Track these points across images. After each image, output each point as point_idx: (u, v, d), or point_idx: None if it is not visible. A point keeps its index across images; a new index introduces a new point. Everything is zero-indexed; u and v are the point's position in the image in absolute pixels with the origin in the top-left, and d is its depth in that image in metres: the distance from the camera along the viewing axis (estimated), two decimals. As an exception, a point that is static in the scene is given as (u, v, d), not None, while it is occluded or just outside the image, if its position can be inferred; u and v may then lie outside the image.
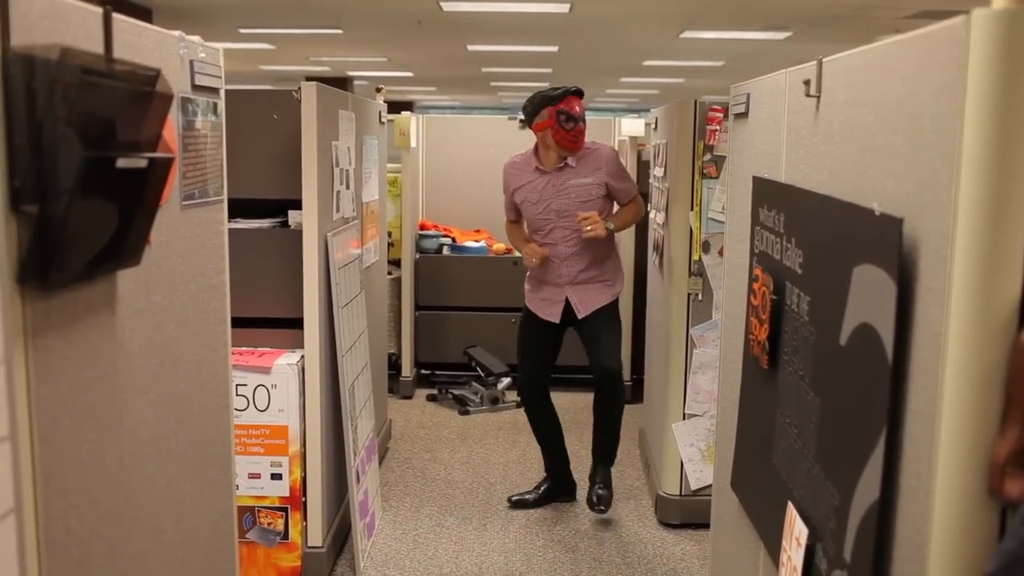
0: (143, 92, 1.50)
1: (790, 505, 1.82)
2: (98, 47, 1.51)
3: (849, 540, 1.49)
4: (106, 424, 1.61)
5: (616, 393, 4.12)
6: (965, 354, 1.19)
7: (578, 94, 4.03)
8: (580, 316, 4.11)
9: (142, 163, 1.48)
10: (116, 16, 1.57)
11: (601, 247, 4.08)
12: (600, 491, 4.15)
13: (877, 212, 1.42)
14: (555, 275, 4.12)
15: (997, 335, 1.17)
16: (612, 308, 4.16)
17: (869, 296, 1.44)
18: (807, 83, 1.86)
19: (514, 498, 4.40)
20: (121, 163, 1.41)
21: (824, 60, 1.81)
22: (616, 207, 4.16)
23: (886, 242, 1.37)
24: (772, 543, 1.96)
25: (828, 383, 1.64)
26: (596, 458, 4.24)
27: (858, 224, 1.50)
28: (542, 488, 4.42)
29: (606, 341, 4.10)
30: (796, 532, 1.76)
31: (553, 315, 4.16)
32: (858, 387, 1.49)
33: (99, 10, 1.52)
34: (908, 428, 1.34)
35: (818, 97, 1.83)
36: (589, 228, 3.91)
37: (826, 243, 1.68)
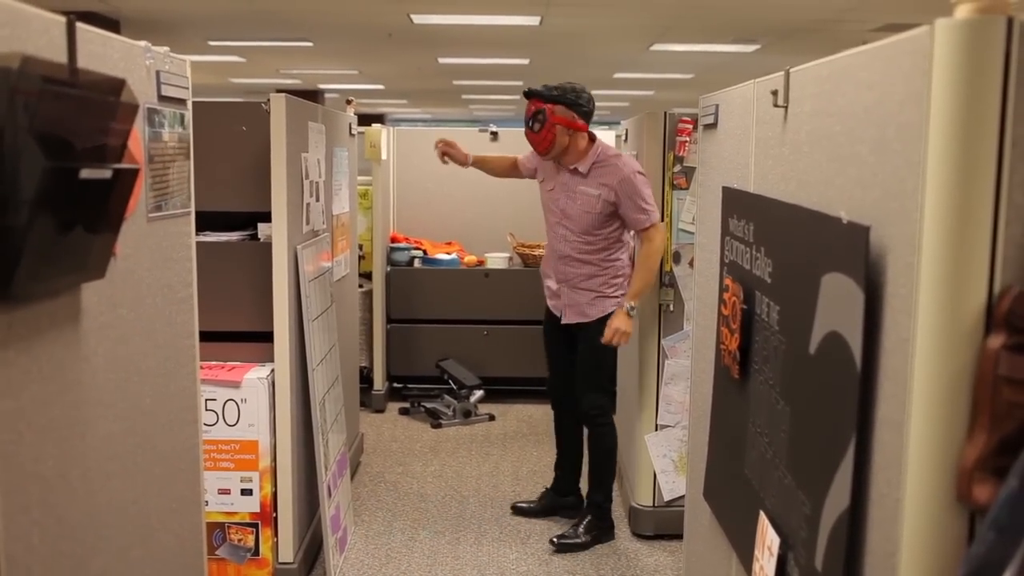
0: (107, 102, 1.48)
1: (762, 514, 1.82)
2: (61, 56, 1.49)
3: (820, 548, 1.50)
4: (70, 439, 1.59)
5: (593, 434, 4.05)
6: (933, 361, 1.20)
7: (529, 94, 3.89)
8: (563, 321, 4.00)
9: (106, 174, 1.46)
10: (80, 25, 1.55)
11: (607, 258, 3.90)
12: (566, 534, 4.04)
13: (844, 221, 1.43)
14: (551, 269, 4.04)
15: (964, 341, 1.18)
16: (602, 328, 3.88)
17: (837, 304, 1.45)
18: (775, 93, 1.88)
19: (519, 504, 4.38)
20: (85, 174, 1.39)
21: (791, 70, 1.82)
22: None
23: (853, 250, 1.38)
24: (744, 552, 1.96)
25: (798, 392, 1.65)
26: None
27: (826, 233, 1.51)
28: (546, 498, 4.35)
29: (584, 375, 3.99)
30: (768, 541, 1.76)
31: (557, 308, 4.05)
32: (827, 395, 1.49)
33: (62, 19, 1.50)
34: (877, 435, 1.34)
35: (786, 107, 1.84)
36: (616, 341, 3.81)
37: (795, 252, 1.69)
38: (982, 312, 1.18)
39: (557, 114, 3.79)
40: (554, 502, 4.34)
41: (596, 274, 3.91)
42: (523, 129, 3.95)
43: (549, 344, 4.21)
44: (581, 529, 4.04)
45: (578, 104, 3.82)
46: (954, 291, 1.18)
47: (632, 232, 3.95)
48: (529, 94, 3.88)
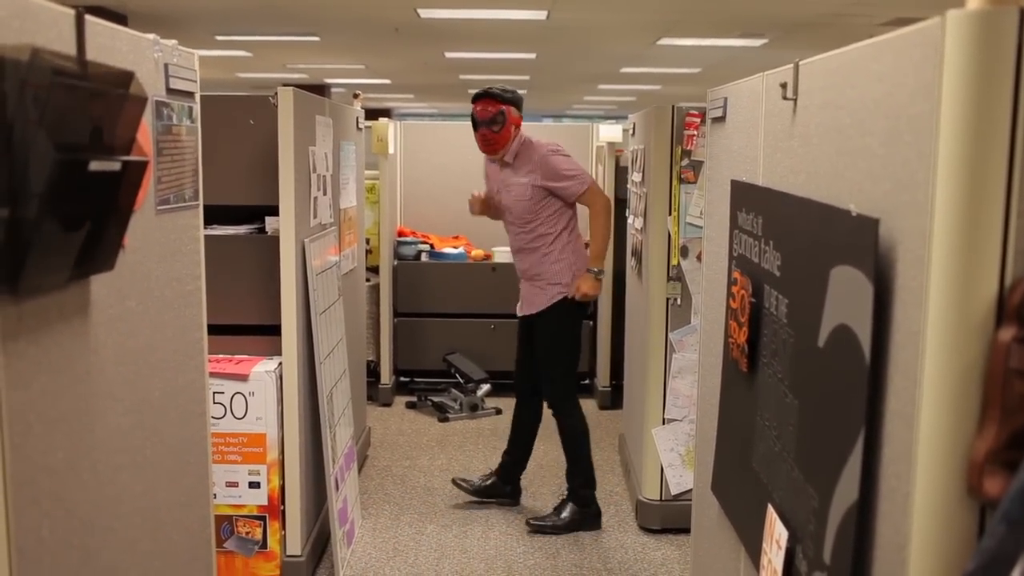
0: (116, 95, 1.48)
1: (770, 508, 1.82)
2: (70, 49, 1.50)
3: (829, 542, 1.49)
4: (79, 431, 1.59)
5: (559, 422, 4.18)
6: (943, 354, 1.19)
7: (485, 96, 4.01)
8: (519, 314, 4.18)
9: (115, 166, 1.46)
10: (89, 18, 1.55)
11: (544, 246, 4.03)
12: (544, 516, 4.19)
13: (854, 213, 1.42)
14: (516, 268, 4.22)
15: (975, 334, 1.18)
16: (552, 318, 4.07)
17: (846, 297, 1.44)
18: (784, 86, 1.87)
19: (459, 480, 4.41)
20: (94, 166, 1.39)
21: (801, 63, 1.82)
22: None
23: (863, 243, 1.37)
24: (752, 546, 1.96)
25: (807, 385, 1.65)
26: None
27: (835, 226, 1.50)
28: (489, 480, 4.42)
29: (541, 364, 4.14)
30: (776, 535, 1.76)
31: (519, 308, 4.22)
32: (836, 388, 1.49)
33: (71, 12, 1.50)
34: (887, 428, 1.34)
35: (795, 100, 1.84)
36: (580, 296, 3.99)
37: (804, 245, 1.69)
38: (993, 305, 1.17)
39: (512, 114, 4.01)
40: (493, 488, 4.41)
41: (539, 262, 4.05)
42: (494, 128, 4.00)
43: (518, 339, 4.32)
44: (561, 514, 4.15)
45: (520, 103, 4.09)
46: (965, 284, 1.18)
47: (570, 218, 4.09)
48: (487, 95, 4.01)
